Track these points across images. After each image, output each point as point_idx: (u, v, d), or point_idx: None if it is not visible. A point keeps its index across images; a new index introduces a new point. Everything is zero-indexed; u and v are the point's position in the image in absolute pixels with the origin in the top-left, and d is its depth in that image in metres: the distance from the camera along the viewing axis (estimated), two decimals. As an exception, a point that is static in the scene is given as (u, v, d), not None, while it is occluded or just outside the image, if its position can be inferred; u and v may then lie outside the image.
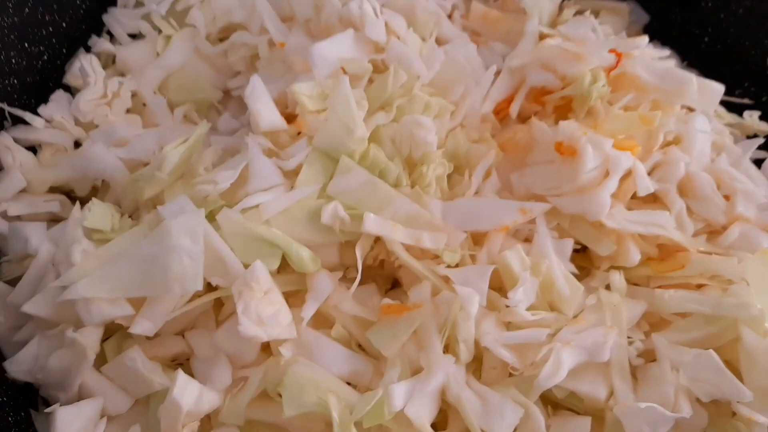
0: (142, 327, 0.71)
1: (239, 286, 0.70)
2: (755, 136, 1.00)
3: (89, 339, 0.72)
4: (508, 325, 0.74)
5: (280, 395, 0.68)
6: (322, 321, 0.75)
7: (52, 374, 0.73)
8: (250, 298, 0.69)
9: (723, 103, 0.98)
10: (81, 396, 0.73)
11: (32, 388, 0.77)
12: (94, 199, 0.79)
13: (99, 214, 0.77)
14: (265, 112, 0.82)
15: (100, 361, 0.74)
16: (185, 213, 0.73)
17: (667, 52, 0.97)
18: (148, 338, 0.74)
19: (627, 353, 0.73)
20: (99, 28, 1.07)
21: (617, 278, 0.79)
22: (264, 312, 0.69)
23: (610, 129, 0.83)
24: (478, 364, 0.74)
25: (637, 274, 0.81)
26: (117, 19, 1.05)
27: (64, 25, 1.01)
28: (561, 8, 1.04)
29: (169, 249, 0.70)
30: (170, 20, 1.03)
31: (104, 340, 0.76)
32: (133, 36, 1.06)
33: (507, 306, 0.73)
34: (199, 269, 0.70)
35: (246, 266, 0.72)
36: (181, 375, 0.68)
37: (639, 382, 0.72)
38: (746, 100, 1.05)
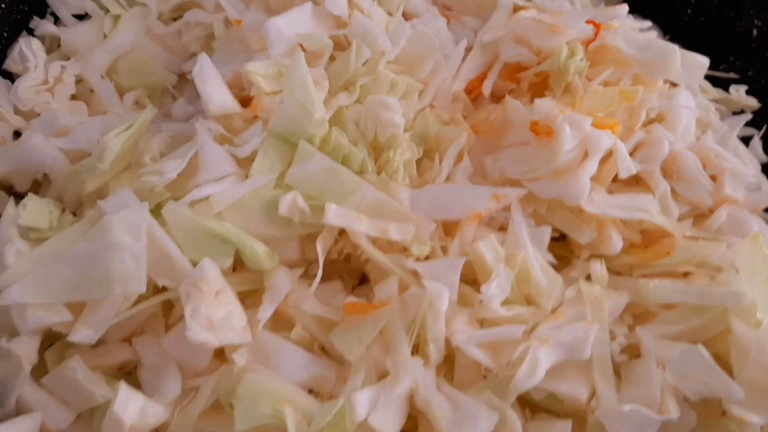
0: (81, 335, 0.65)
1: (187, 288, 0.64)
2: (742, 112, 0.96)
3: (25, 348, 0.66)
4: (482, 322, 0.69)
5: (233, 406, 0.62)
6: (281, 323, 0.69)
7: (-15, 387, 0.67)
8: (200, 301, 0.63)
9: (708, 78, 0.93)
10: (19, 411, 0.67)
11: (-35, 402, 0.71)
12: (30, 194, 0.73)
13: (35, 210, 0.71)
14: (216, 94, 0.76)
15: (41, 372, 0.68)
16: (127, 207, 0.67)
17: (648, 23, 0.92)
18: (91, 346, 0.68)
19: (609, 349, 0.68)
20: (43, 10, 0.99)
21: (598, 268, 0.73)
22: (215, 315, 0.64)
23: (588, 106, 0.78)
24: (449, 366, 0.69)
25: (619, 263, 0.76)
26: (61, -2, 0.98)
27: (3, 6, 0.93)
28: (536, -20, 0.98)
29: (109, 247, 0.64)
30: (119, -1, 0.96)
31: (45, 348, 0.70)
32: (80, 17, 0.99)
33: (480, 301, 0.68)
34: (142, 269, 0.64)
35: (195, 264, 0.66)
36: (123, 387, 0.62)
37: (623, 381, 0.67)
38: (732, 75, 1.00)
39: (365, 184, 0.73)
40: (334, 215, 0.69)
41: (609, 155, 0.75)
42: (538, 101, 0.77)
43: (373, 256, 0.71)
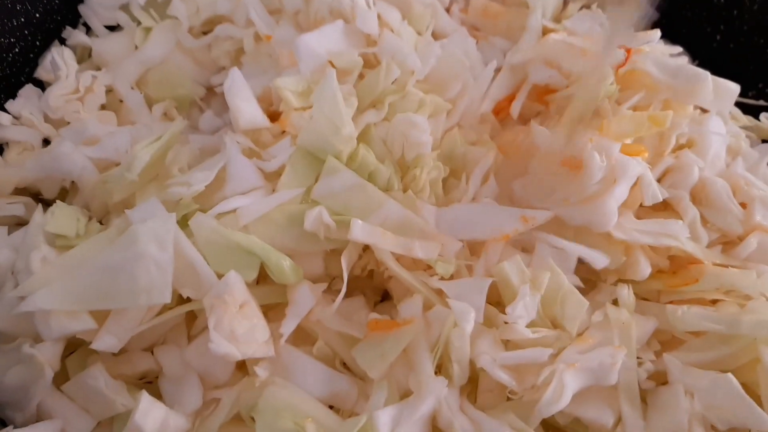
0: (105, 343, 0.65)
1: (211, 299, 0.64)
2: (773, 140, 0.94)
3: (48, 355, 0.66)
4: (507, 344, 0.68)
5: (254, 419, 0.62)
6: (303, 337, 0.69)
7: (7, 392, 0.67)
8: (223, 312, 0.63)
9: (738, 104, 0.92)
10: (39, 417, 0.67)
11: (-14, 408, 0.71)
12: (57, 201, 0.73)
13: (63, 218, 0.71)
14: (246, 108, 0.77)
15: (62, 378, 0.68)
16: (154, 217, 0.67)
17: (679, 48, 0.91)
18: (114, 354, 0.68)
19: (636, 376, 0.66)
20: (75, 20, 1.01)
21: (626, 292, 0.72)
22: (238, 328, 0.63)
23: (617, 131, 0.77)
24: (473, 386, 0.68)
25: (646, 288, 0.74)
26: (94, 9, 1.00)
27: (37, 15, 0.95)
28: (566, 2, 0.98)
29: (135, 257, 0.64)
30: (150, 11, 0.98)
31: (67, 355, 0.70)
32: (111, 28, 1.00)
33: (505, 323, 0.67)
34: (168, 279, 0.64)
35: (220, 276, 0.66)
36: (144, 397, 0.62)
37: (649, 408, 0.66)
38: (762, 102, 0.99)
39: (391, 201, 0.72)
40: (360, 231, 0.69)
41: (637, 181, 0.74)
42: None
43: (397, 273, 0.70)
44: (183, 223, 0.69)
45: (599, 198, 0.72)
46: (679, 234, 0.74)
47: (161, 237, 0.65)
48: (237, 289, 0.64)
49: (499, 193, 0.79)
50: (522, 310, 0.67)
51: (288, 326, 0.67)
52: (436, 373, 0.65)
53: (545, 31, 0.89)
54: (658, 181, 0.76)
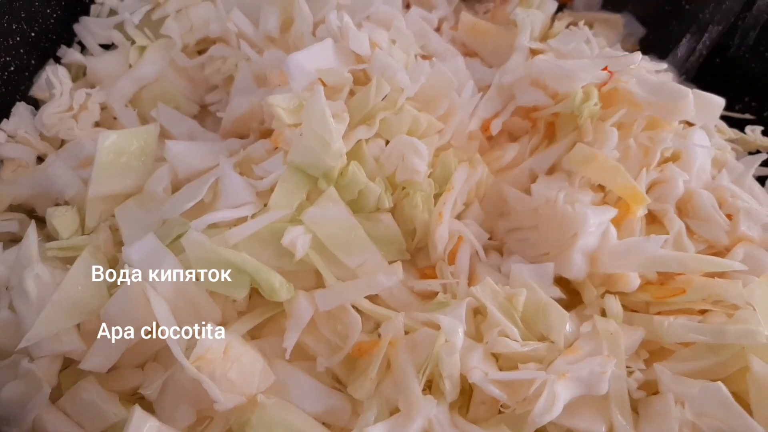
0: (93, 363, 0.66)
1: (196, 363, 0.63)
2: (758, 152, 0.95)
3: (46, 370, 0.67)
4: (498, 357, 0.68)
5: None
6: (297, 351, 0.69)
7: (4, 407, 0.68)
8: (213, 368, 0.63)
9: (723, 118, 0.93)
10: (36, 432, 0.67)
11: (-18, 423, 0.71)
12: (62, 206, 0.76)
13: (68, 221, 0.74)
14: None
15: (57, 394, 0.68)
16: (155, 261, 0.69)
17: (663, 65, 0.92)
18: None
19: (627, 385, 0.67)
20: (70, 39, 1.02)
21: (613, 303, 0.73)
22: (233, 374, 0.64)
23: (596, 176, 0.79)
24: (463, 399, 0.68)
25: (634, 300, 0.75)
26: (89, 28, 1.01)
27: (33, 34, 0.96)
28: (553, 20, 1.00)
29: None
30: (145, 30, 0.99)
31: (61, 370, 0.70)
32: (106, 47, 1.02)
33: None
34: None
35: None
36: (137, 411, 0.62)
37: (641, 417, 0.67)
38: (747, 115, 1.00)
39: (374, 251, 0.74)
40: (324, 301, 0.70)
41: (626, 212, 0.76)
42: (534, 187, 0.79)
43: (372, 311, 0.71)
44: (175, 242, 0.70)
45: (567, 249, 0.74)
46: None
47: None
48: (213, 342, 0.64)
49: (483, 220, 0.81)
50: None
51: (290, 340, 0.68)
52: (427, 388, 0.66)
53: (533, 52, 0.90)
54: (645, 193, 0.77)
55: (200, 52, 0.99)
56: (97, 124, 0.92)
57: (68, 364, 0.70)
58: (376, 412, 0.65)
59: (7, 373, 0.69)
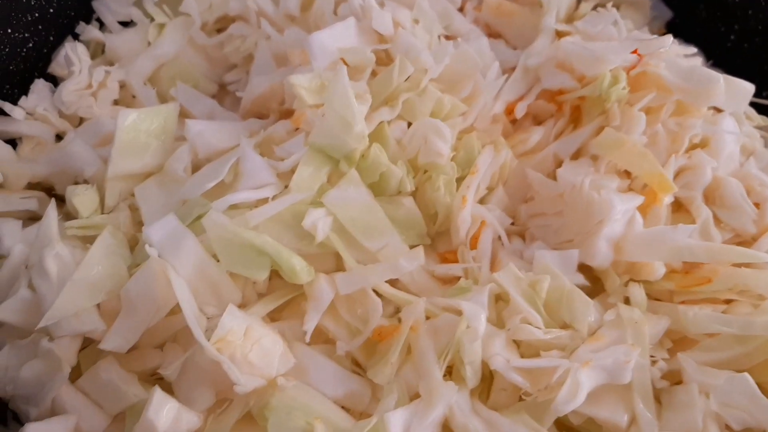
0: (113, 343, 0.66)
1: (216, 346, 0.62)
2: (787, 140, 0.93)
3: (65, 350, 0.67)
4: (519, 344, 0.67)
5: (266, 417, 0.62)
6: (316, 334, 0.69)
7: (23, 386, 0.68)
8: (233, 350, 0.62)
9: (752, 104, 0.91)
10: (54, 411, 0.67)
11: (1, 401, 0.71)
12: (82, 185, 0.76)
13: (87, 199, 0.74)
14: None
15: (76, 374, 0.68)
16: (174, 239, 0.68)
17: (692, 49, 0.90)
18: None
19: (650, 374, 0.66)
20: (89, 15, 1.01)
21: (637, 292, 0.72)
22: (253, 356, 0.63)
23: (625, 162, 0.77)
24: (484, 386, 0.68)
25: (659, 289, 0.74)
26: (107, 5, 1.00)
27: (51, 11, 0.95)
28: (579, 1, 0.98)
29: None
30: (163, 8, 0.98)
31: (80, 350, 0.70)
32: (125, 24, 1.01)
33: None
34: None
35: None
36: (157, 392, 0.62)
37: (664, 407, 0.66)
38: (776, 102, 0.98)
39: (394, 234, 0.73)
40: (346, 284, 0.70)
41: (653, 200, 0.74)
42: (560, 171, 0.77)
43: (394, 295, 0.71)
44: (196, 222, 0.69)
45: (592, 236, 0.72)
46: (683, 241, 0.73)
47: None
48: (235, 324, 0.63)
49: (506, 205, 0.80)
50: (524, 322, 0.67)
51: (310, 323, 0.67)
52: (448, 374, 0.66)
53: (559, 34, 0.88)
54: (672, 179, 0.76)
55: (219, 31, 0.98)
56: (116, 102, 0.92)
57: (88, 343, 0.70)
58: (396, 397, 0.64)
59: (26, 352, 0.69)
